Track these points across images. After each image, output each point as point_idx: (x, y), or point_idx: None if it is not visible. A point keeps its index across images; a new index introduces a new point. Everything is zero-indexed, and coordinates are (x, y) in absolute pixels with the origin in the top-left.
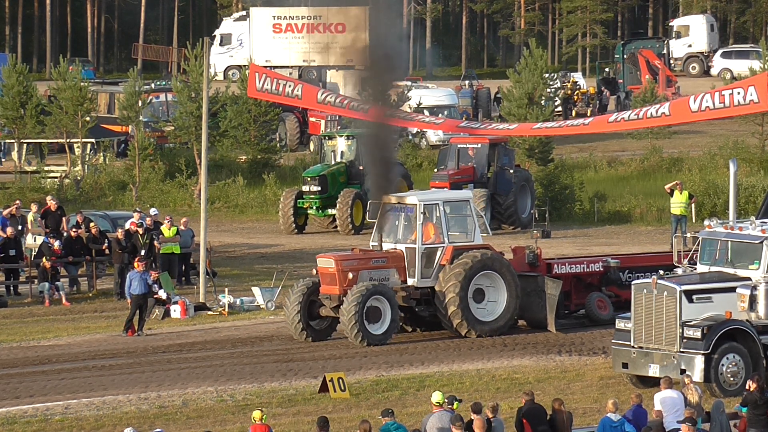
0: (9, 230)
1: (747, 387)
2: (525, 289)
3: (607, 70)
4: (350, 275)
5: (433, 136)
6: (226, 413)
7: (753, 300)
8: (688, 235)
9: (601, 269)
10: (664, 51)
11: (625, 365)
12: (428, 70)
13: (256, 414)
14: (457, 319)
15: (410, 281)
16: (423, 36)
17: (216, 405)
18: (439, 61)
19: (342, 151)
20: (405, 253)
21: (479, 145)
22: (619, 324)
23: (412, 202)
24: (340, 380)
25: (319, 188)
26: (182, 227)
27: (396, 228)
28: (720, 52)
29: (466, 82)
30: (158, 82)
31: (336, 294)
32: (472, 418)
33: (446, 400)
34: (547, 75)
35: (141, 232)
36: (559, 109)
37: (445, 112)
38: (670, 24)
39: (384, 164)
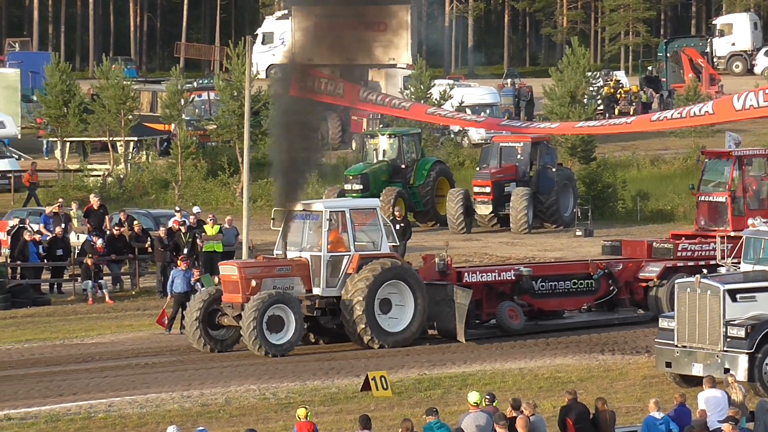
0: (57, 229)
1: None
2: (435, 298)
3: (650, 68)
4: (253, 283)
5: (475, 134)
6: (269, 411)
7: None
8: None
9: (513, 278)
10: (708, 49)
11: (668, 364)
12: (470, 69)
13: (301, 411)
14: (363, 330)
15: (315, 290)
16: (465, 34)
17: (258, 403)
18: (481, 59)
19: (384, 150)
20: (310, 262)
21: (521, 144)
22: (663, 323)
23: (317, 209)
24: (383, 378)
25: (361, 187)
26: (227, 225)
27: (302, 236)
28: (763, 50)
29: (508, 80)
30: (200, 81)
31: (238, 302)
32: (514, 415)
33: (487, 398)
34: (589, 73)
35: (183, 231)
36: (602, 107)
37: (487, 111)
38: (713, 22)
39: (291, 169)
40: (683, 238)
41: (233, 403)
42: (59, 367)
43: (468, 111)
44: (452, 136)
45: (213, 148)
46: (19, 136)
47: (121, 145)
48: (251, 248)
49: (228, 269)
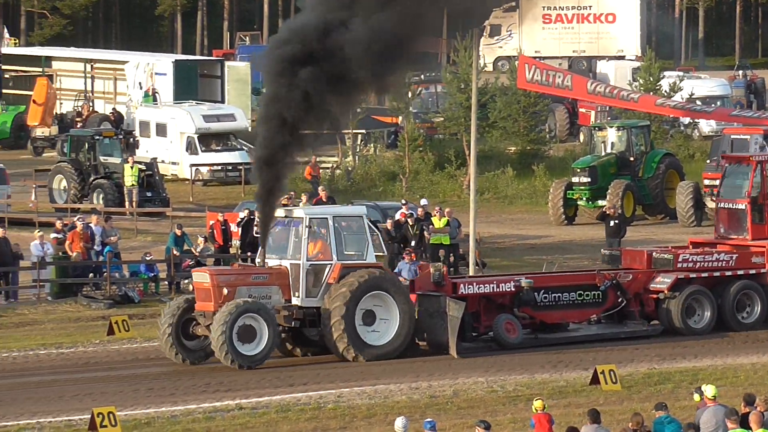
0: None
1: None
2: (428, 309)
3: None
4: (225, 291)
5: (706, 126)
6: (497, 404)
7: None
8: None
9: (512, 289)
10: None
11: None
12: (700, 61)
13: (538, 403)
14: (343, 343)
15: (294, 300)
16: (696, 26)
17: (486, 395)
18: (712, 51)
19: (612, 142)
20: (290, 270)
21: (753, 136)
22: None
23: (298, 215)
24: (612, 372)
25: (589, 179)
26: (448, 217)
27: (283, 243)
28: None
29: (740, 72)
30: (428, 74)
31: (210, 311)
32: (747, 411)
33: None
34: None
35: (411, 223)
36: None
37: (718, 103)
38: None
39: (271, 172)
40: (691, 247)
41: (461, 395)
42: (290, 359)
43: (698, 103)
44: (682, 128)
45: (440, 140)
46: (250, 129)
47: (349, 138)
48: (478, 241)
49: (200, 276)
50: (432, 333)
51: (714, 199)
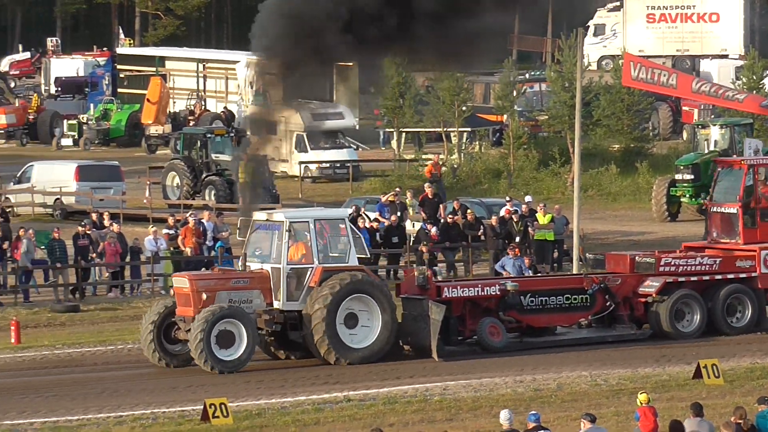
0: (393, 217)
1: None
2: (412, 313)
3: None
4: (204, 296)
5: None
6: (600, 397)
7: None
8: None
9: (498, 293)
10: None
11: None
12: None
13: (643, 397)
14: (324, 346)
15: (276, 304)
16: None
17: (590, 389)
18: None
19: (715, 140)
20: (271, 274)
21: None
22: None
23: (278, 219)
24: (714, 367)
25: (692, 177)
26: (555, 214)
27: (264, 247)
28: None
29: None
30: (532, 73)
31: (190, 316)
32: None
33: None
34: None
35: (515, 219)
36: None
37: None
38: None
39: (254, 177)
40: (688, 251)
41: (565, 388)
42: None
43: None
44: None
45: (544, 138)
46: (357, 127)
47: (454, 136)
48: (582, 237)
49: (180, 281)
50: (415, 336)
51: (705, 202)
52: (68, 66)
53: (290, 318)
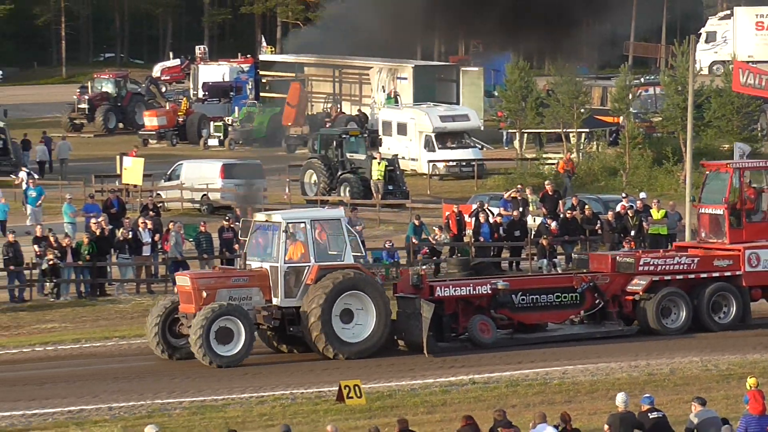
0: (515, 212)
1: None
2: (406, 311)
3: None
4: (205, 294)
5: None
6: (711, 381)
7: None
8: None
9: (489, 292)
10: None
11: None
12: None
13: (752, 381)
14: (321, 341)
15: (275, 300)
16: None
17: (701, 373)
18: None
19: None
20: (269, 272)
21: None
22: None
23: (276, 220)
24: None
25: None
26: (669, 210)
27: (264, 246)
28: None
29: None
30: (647, 77)
31: (192, 313)
32: None
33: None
34: None
35: (631, 214)
36: None
37: None
38: None
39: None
40: (686, 249)
41: (677, 373)
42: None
43: None
44: None
45: (658, 138)
46: (482, 128)
47: (573, 136)
48: (693, 231)
49: (182, 280)
50: (408, 333)
51: (694, 204)
52: (215, 72)
53: (288, 314)
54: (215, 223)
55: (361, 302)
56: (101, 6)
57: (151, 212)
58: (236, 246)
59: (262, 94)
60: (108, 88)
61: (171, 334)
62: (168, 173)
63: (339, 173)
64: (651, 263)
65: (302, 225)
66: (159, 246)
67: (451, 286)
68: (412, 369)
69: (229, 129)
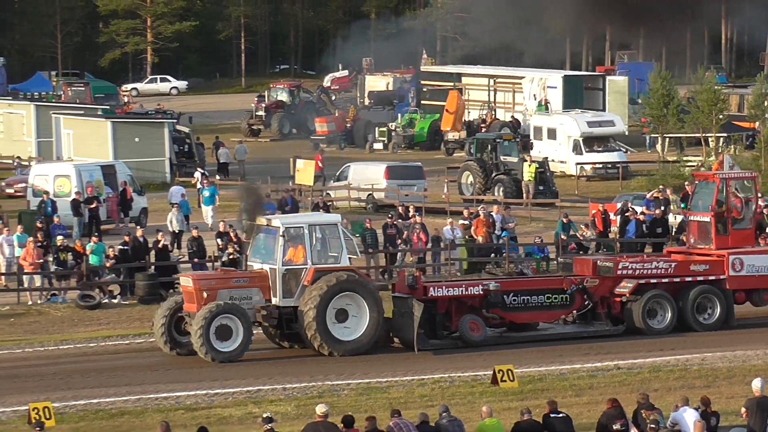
0: (657, 211)
1: None
2: (400, 310)
3: None
4: (205, 294)
5: None
6: None
7: None
8: None
9: (481, 292)
10: None
11: None
12: None
13: None
14: (316, 339)
15: (274, 300)
16: None
17: None
18: None
19: None
20: (269, 274)
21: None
22: None
23: (276, 224)
24: None
25: None
26: None
27: (265, 249)
28: None
29: None
30: None
31: (194, 312)
32: None
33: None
34: None
35: (766, 213)
36: None
37: None
38: None
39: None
40: (678, 254)
41: None
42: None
43: None
44: None
45: None
46: (626, 133)
47: (712, 140)
48: None
49: (185, 281)
50: (402, 331)
51: (683, 211)
52: (379, 82)
53: (286, 313)
54: (379, 220)
55: (355, 303)
56: (278, 22)
57: (321, 210)
58: (399, 241)
59: (422, 102)
60: (283, 96)
61: (176, 332)
62: (337, 174)
63: (493, 174)
64: (629, 267)
65: (300, 229)
66: None
67: (444, 287)
68: (561, 355)
69: (393, 134)
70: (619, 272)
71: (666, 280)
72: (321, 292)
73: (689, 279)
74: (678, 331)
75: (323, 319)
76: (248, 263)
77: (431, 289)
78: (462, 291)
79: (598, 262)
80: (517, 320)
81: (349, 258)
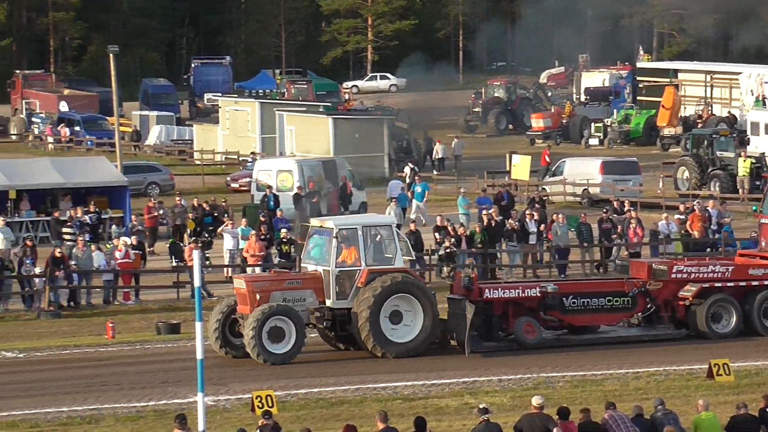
0: None
1: None
2: (455, 311)
3: None
4: (258, 296)
5: None
6: None
7: None
8: None
9: (539, 294)
10: None
11: None
12: None
13: None
14: (369, 340)
15: (327, 302)
16: None
17: None
18: None
19: None
20: (323, 275)
21: None
22: None
23: (329, 226)
24: None
25: None
26: None
27: (319, 250)
28: None
29: None
30: None
31: (248, 313)
32: None
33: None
34: None
35: None
36: None
37: None
38: None
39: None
40: (749, 258)
41: None
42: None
43: None
44: None
45: None
46: None
47: None
48: None
49: (239, 283)
50: (457, 332)
51: (756, 215)
52: (596, 78)
53: (339, 315)
54: (594, 215)
55: (409, 304)
56: (495, 20)
57: (537, 204)
58: (614, 236)
59: (638, 98)
60: (499, 93)
61: (231, 334)
62: (552, 169)
63: (709, 170)
64: (684, 271)
65: (354, 231)
66: (543, 235)
67: (500, 289)
68: None
69: (608, 129)
70: (673, 275)
71: (731, 284)
72: (375, 293)
73: (755, 283)
74: (745, 335)
75: (377, 320)
76: (302, 265)
77: (486, 290)
78: (518, 293)
79: (653, 264)
80: (577, 323)
81: (404, 259)
